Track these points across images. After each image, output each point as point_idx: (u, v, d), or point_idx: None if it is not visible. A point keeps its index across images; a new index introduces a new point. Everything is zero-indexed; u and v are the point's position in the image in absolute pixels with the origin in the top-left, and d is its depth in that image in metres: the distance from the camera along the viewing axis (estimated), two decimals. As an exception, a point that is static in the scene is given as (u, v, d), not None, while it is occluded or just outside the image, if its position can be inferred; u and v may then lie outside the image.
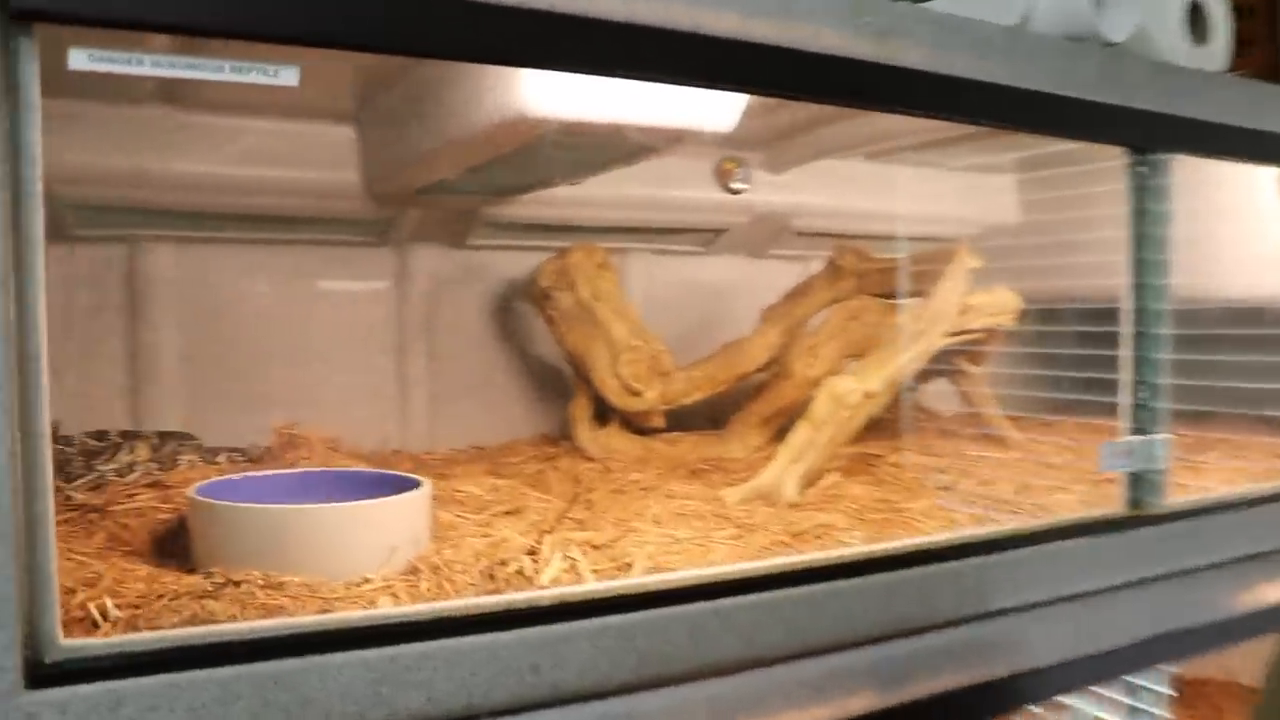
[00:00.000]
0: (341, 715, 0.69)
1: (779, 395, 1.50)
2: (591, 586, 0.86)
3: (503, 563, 0.91)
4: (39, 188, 0.63)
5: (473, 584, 0.90)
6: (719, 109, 1.02)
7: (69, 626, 0.72)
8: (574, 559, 0.94)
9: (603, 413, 1.49)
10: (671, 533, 1.07)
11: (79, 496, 1.03)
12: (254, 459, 1.20)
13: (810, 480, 1.28)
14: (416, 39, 0.73)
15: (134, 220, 1.24)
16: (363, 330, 1.42)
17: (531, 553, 0.93)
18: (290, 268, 1.37)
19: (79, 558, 0.89)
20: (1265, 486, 1.24)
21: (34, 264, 0.63)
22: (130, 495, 1.02)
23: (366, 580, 0.88)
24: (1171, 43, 1.21)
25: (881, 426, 1.75)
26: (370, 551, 0.91)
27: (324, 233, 1.37)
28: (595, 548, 1.03)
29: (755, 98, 0.99)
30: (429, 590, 0.88)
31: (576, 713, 0.78)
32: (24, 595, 0.63)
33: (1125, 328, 1.24)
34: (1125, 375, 1.19)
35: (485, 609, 0.78)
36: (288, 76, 0.71)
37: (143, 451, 1.12)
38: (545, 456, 1.43)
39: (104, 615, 0.76)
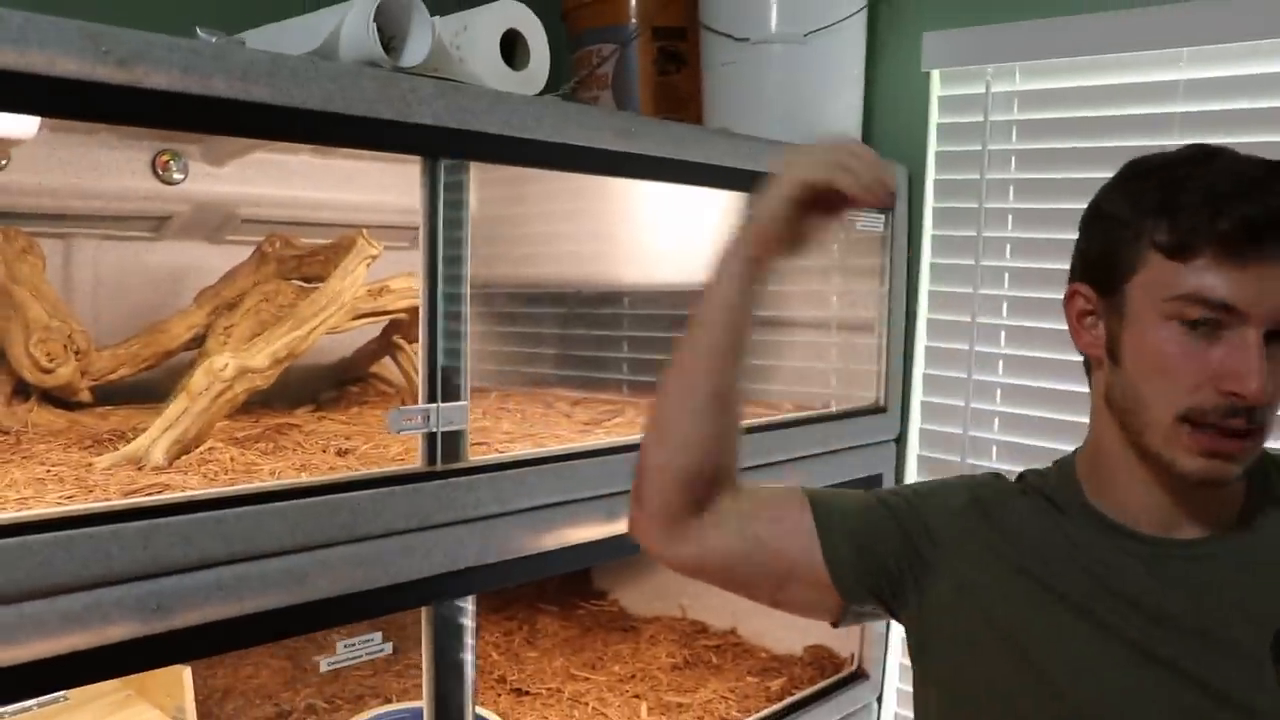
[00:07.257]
0: None
1: (200, 371, 1.63)
2: None
3: None
4: None
5: None
6: (17, 119, 1.13)
7: None
8: None
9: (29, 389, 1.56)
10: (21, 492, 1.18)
11: None
12: None
13: (187, 447, 1.42)
14: None
15: None
16: None
17: None
18: None
19: None
20: (547, 450, 1.53)
21: None
22: None
23: None
24: (488, 68, 1.46)
25: (340, 399, 1.93)
26: None
27: None
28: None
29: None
30: None
31: None
32: None
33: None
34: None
35: None
36: None
37: None
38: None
39: None
